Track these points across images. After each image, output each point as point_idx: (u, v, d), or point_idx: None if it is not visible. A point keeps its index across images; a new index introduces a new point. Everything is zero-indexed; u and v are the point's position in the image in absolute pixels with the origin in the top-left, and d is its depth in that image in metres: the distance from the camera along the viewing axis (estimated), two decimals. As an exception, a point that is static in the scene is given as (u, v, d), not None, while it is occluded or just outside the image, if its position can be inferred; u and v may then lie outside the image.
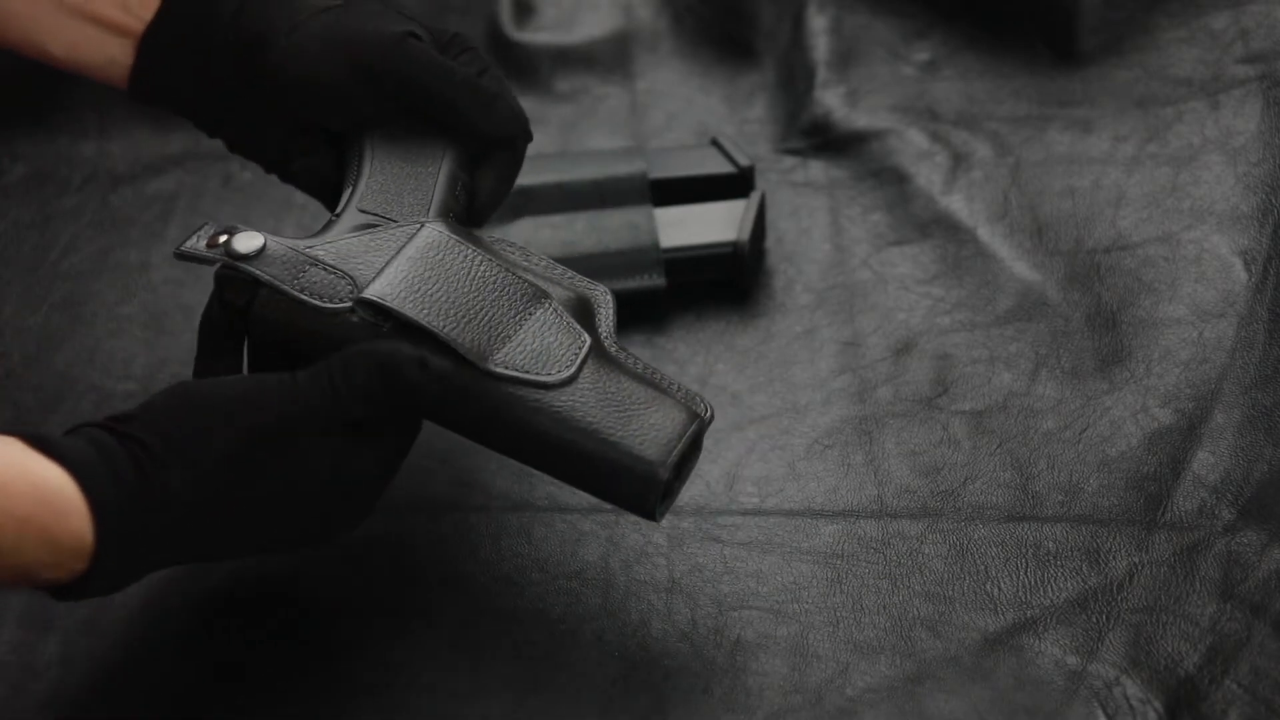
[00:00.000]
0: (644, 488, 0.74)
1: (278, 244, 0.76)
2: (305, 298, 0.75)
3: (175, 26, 0.81)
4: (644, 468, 0.73)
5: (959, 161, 0.99)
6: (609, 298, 0.79)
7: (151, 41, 0.81)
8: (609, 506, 0.84)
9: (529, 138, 0.84)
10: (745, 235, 0.94)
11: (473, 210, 0.81)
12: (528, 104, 1.05)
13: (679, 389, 0.76)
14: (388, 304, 0.74)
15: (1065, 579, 0.79)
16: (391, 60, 0.80)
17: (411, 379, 0.72)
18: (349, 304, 0.75)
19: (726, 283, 0.95)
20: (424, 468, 0.86)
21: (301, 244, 0.76)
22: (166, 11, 0.81)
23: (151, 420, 0.70)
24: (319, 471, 0.71)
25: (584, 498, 0.85)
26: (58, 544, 0.67)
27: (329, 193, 0.82)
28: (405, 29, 0.80)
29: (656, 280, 0.93)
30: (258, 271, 0.75)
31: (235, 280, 0.76)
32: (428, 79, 0.80)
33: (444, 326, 0.74)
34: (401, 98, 0.80)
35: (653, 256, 0.94)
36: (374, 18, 0.81)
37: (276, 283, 0.75)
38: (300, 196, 0.95)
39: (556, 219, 0.95)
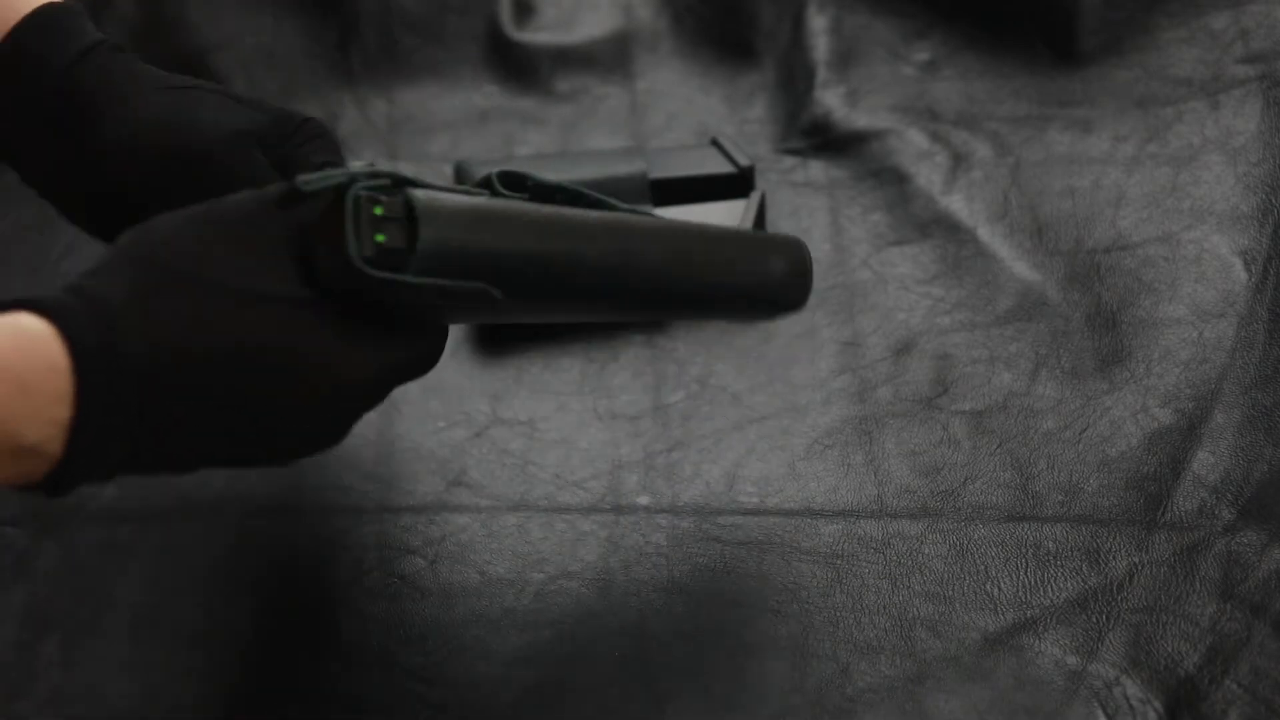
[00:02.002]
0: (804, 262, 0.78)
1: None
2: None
3: (12, 57, 0.77)
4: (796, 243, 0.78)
5: (959, 161, 0.99)
6: None
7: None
8: (608, 505, 0.84)
9: None
10: (745, 235, 0.94)
11: None
12: (528, 104, 1.06)
13: None
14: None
15: (1065, 579, 0.79)
16: (220, 160, 0.76)
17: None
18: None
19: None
20: (420, 469, 0.86)
21: None
22: (8, 41, 0.77)
23: (124, 272, 0.66)
24: (296, 341, 0.67)
25: (584, 498, 0.85)
26: (33, 387, 0.63)
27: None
28: (245, 128, 0.77)
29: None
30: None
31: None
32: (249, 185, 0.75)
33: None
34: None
35: (653, 256, 0.94)
36: (213, 109, 0.77)
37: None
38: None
39: (556, 219, 0.95)
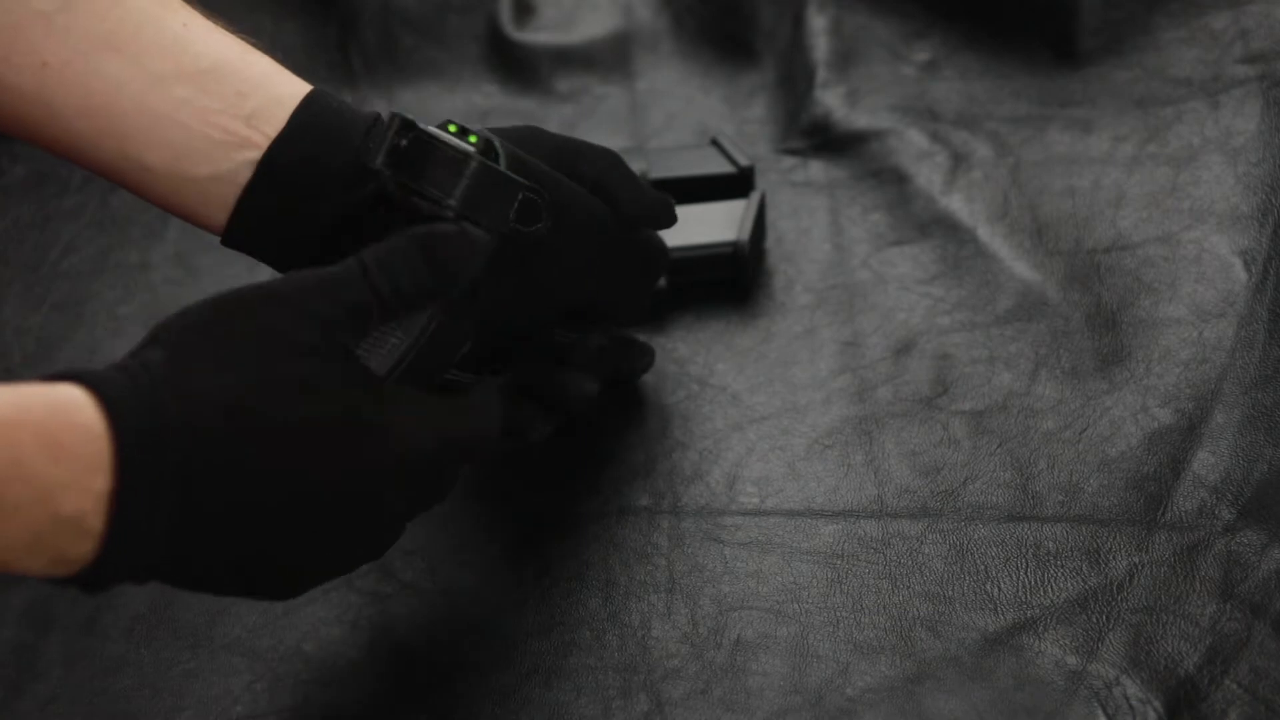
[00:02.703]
0: None
1: None
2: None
3: (302, 147, 0.75)
4: None
5: (959, 161, 0.99)
6: None
7: (273, 159, 0.75)
8: (609, 506, 0.84)
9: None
10: (745, 236, 0.94)
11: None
12: (528, 104, 1.06)
13: None
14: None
15: (1065, 579, 0.79)
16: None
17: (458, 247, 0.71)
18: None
19: (726, 283, 0.95)
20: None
21: None
22: (294, 130, 0.75)
23: (167, 339, 0.65)
24: (353, 423, 0.67)
25: (584, 498, 0.85)
26: (68, 450, 0.61)
27: None
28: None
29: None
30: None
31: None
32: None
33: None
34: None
35: (652, 257, 0.94)
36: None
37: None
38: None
39: (556, 219, 0.95)
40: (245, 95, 0.75)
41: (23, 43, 0.75)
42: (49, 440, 0.61)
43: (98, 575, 0.63)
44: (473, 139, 0.76)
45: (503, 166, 0.76)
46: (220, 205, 0.76)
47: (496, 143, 0.76)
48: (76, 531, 0.61)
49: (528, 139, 0.81)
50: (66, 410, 0.61)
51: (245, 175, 0.75)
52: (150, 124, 0.75)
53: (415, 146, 0.74)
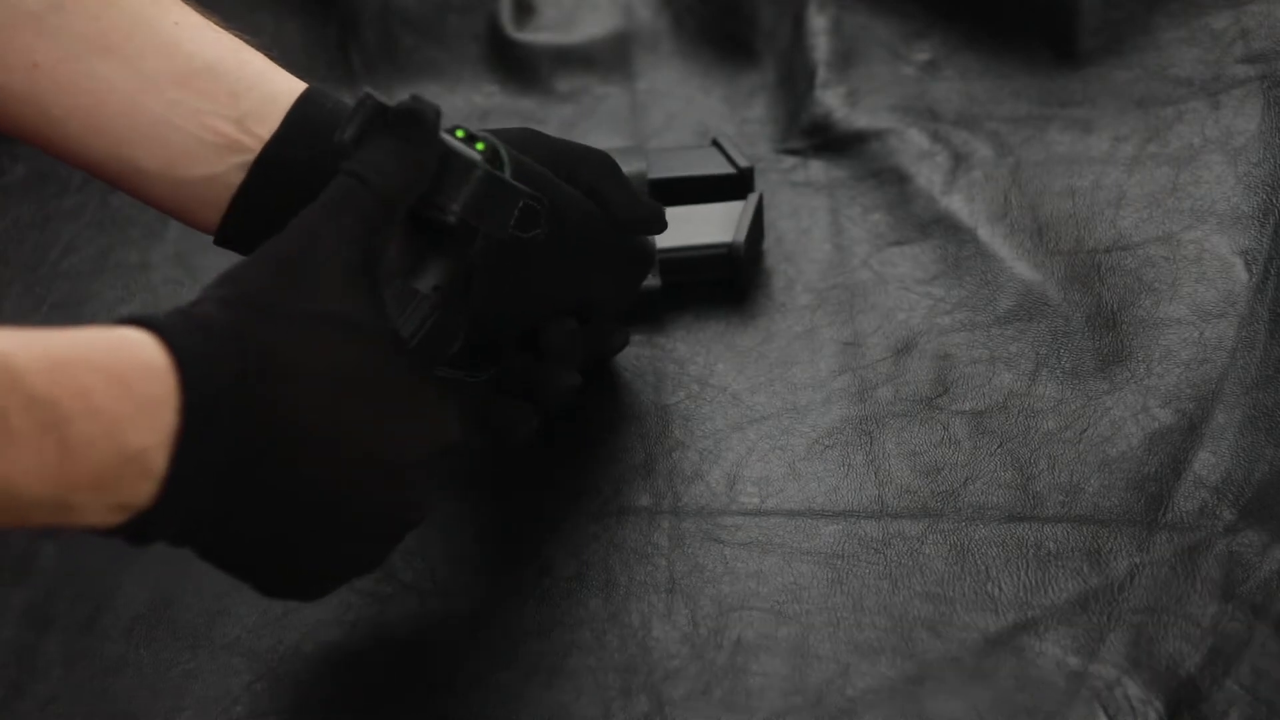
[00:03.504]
0: None
1: None
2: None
3: (295, 148, 0.76)
4: None
5: (959, 161, 0.99)
6: None
7: (266, 161, 0.75)
8: (611, 509, 0.84)
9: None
10: (741, 237, 0.94)
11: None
12: (528, 104, 1.06)
13: None
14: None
15: (1066, 579, 0.79)
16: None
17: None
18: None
19: (722, 283, 0.95)
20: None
21: None
22: (287, 130, 0.76)
23: (214, 296, 0.66)
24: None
25: (585, 498, 0.85)
26: (134, 387, 0.61)
27: None
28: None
29: (652, 281, 0.93)
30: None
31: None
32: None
33: None
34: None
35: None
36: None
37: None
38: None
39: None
40: (238, 96, 0.75)
41: (14, 44, 0.75)
42: (116, 377, 0.61)
43: (151, 521, 0.63)
44: (480, 146, 0.76)
45: (508, 174, 0.76)
46: (214, 207, 0.76)
47: (503, 151, 0.76)
48: (140, 471, 0.62)
49: (525, 142, 0.81)
50: (131, 349, 0.62)
51: (238, 177, 0.75)
52: (142, 126, 0.75)
53: None
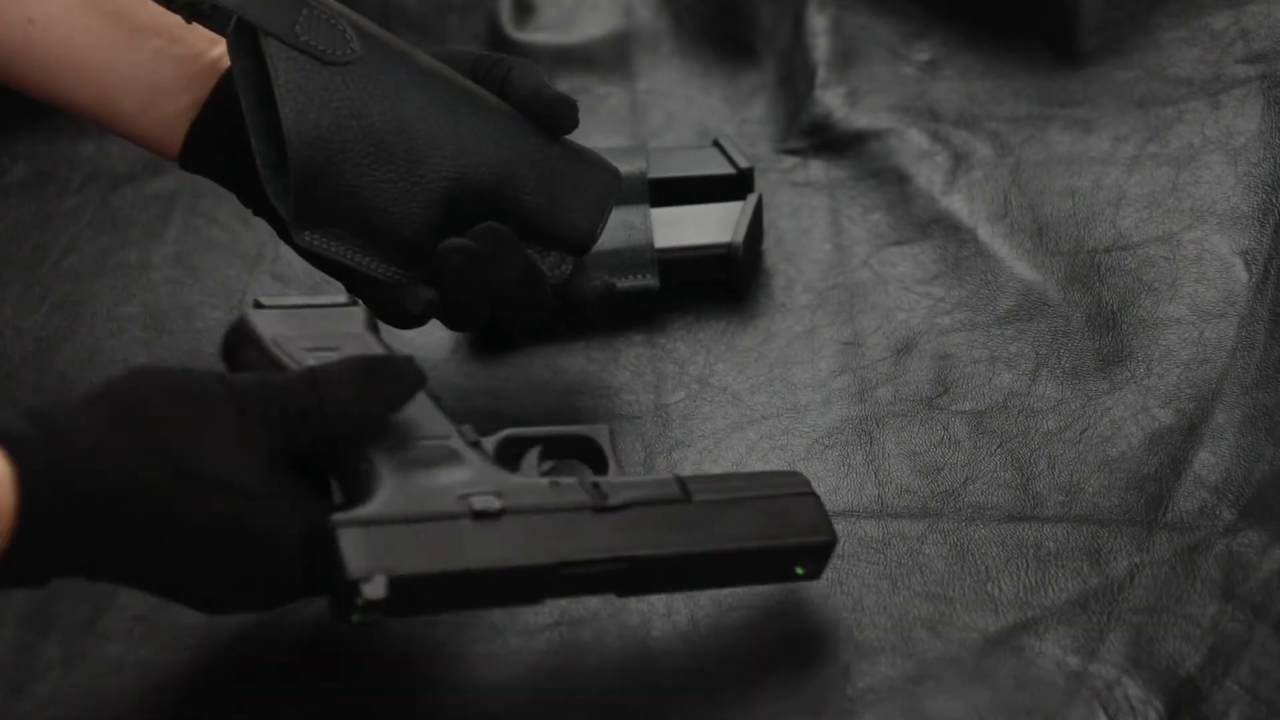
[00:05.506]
0: None
1: None
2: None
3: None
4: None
5: (959, 161, 0.99)
6: None
7: (222, 88, 0.83)
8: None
9: None
10: (739, 237, 0.94)
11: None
12: (528, 104, 1.06)
13: None
14: None
15: (1066, 579, 0.79)
16: None
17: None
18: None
19: (720, 283, 0.95)
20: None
21: None
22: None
23: (82, 406, 0.68)
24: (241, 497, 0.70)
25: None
26: None
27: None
28: None
29: (650, 280, 0.93)
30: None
31: None
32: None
33: None
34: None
35: (647, 256, 0.94)
36: None
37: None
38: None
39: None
40: (215, 40, 0.83)
41: (10, 1, 0.82)
42: None
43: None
44: None
45: None
46: (181, 135, 0.84)
47: None
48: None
49: (451, 55, 0.85)
50: None
51: (207, 92, 0.83)
52: (128, 73, 0.83)
53: None
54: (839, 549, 0.82)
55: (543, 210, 0.84)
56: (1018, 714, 0.75)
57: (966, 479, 0.84)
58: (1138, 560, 0.80)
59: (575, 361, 0.92)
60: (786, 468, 0.86)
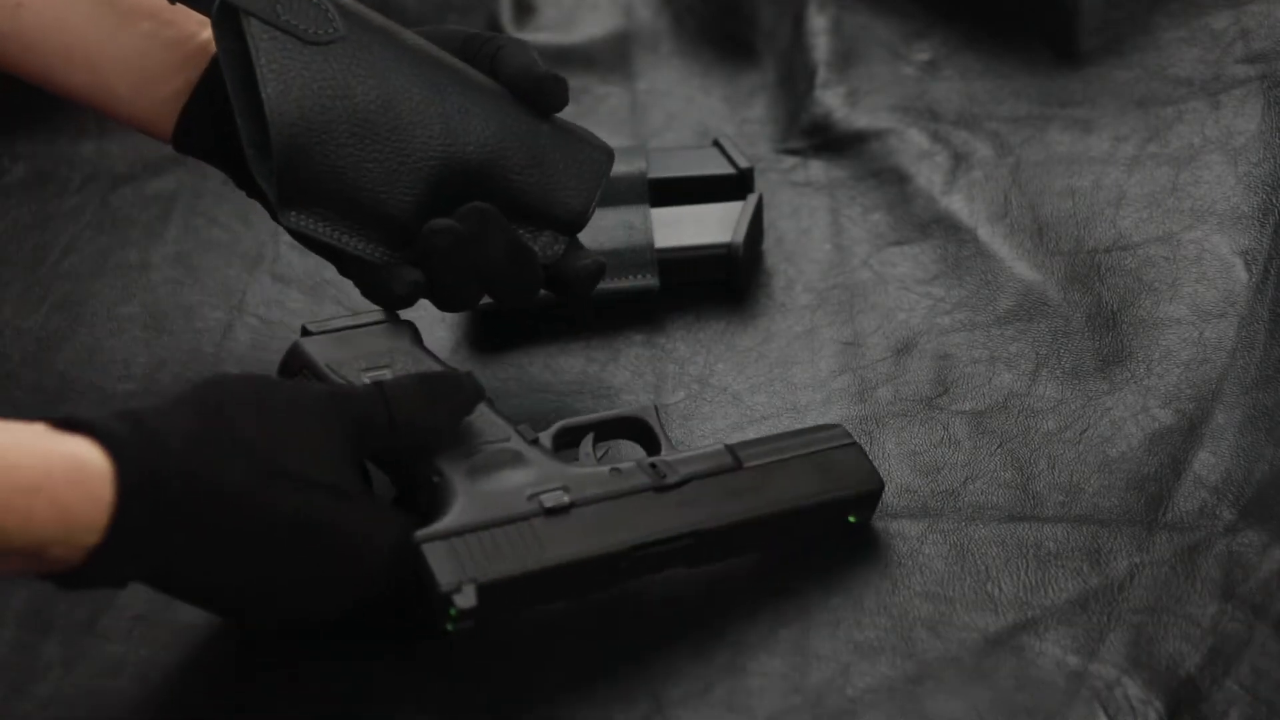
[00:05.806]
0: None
1: None
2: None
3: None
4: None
5: (959, 161, 0.99)
6: None
7: (214, 69, 0.83)
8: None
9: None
10: (739, 238, 0.94)
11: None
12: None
13: None
14: None
15: (1066, 579, 0.79)
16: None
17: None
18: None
19: (719, 283, 0.95)
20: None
21: None
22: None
23: (181, 410, 0.70)
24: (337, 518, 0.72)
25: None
26: (70, 513, 0.66)
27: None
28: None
29: (650, 280, 0.93)
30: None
31: None
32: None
33: None
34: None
35: (647, 256, 0.94)
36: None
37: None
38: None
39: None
40: (206, 22, 0.83)
41: None
42: (62, 507, 0.66)
43: (66, 586, 0.68)
44: None
45: None
46: (174, 117, 0.84)
47: None
48: (53, 563, 0.67)
49: (440, 34, 0.86)
50: (85, 480, 0.66)
51: (198, 74, 0.84)
52: (119, 56, 0.83)
53: None
54: (839, 549, 0.82)
55: (533, 189, 0.84)
56: (1018, 714, 0.75)
57: (966, 479, 0.84)
58: (1138, 560, 0.80)
59: (575, 362, 0.92)
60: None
